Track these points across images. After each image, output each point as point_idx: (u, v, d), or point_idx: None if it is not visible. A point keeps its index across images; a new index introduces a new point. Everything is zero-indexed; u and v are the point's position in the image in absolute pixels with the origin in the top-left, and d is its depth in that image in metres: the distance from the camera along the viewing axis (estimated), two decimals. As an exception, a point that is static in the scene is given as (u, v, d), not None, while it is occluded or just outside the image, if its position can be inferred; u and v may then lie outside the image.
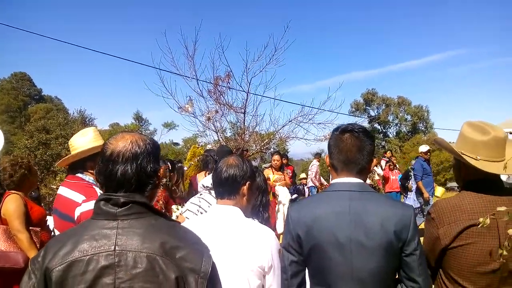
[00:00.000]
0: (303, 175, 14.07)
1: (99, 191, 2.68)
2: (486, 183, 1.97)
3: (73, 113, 36.06)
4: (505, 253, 1.75)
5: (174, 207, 4.04)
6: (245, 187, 2.03)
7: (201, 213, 2.73)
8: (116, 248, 1.29)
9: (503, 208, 1.72)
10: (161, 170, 1.53)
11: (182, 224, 2.03)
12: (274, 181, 7.55)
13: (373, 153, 1.95)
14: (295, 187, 11.22)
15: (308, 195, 11.71)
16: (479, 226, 1.77)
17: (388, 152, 13.05)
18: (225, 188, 2.01)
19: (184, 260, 1.31)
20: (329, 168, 2.02)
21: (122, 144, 1.42)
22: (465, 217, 1.91)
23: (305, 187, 12.67)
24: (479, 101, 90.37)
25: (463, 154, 2.05)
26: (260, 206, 2.63)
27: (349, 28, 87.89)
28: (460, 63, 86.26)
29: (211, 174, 2.09)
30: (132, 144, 1.42)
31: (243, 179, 2.04)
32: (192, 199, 2.96)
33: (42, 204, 8.26)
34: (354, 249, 1.73)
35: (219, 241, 1.86)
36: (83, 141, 2.91)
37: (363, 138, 1.89)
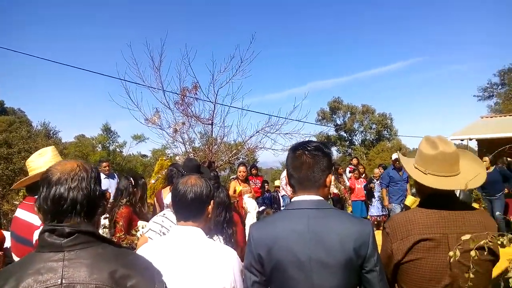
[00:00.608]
0: (277, 183, 14.12)
1: None
2: (438, 198, 2.02)
3: (37, 125, 35.12)
4: (455, 270, 1.82)
5: (140, 223, 3.98)
6: (209, 207, 2.01)
7: (164, 233, 2.69)
8: (63, 281, 1.25)
9: (467, 237, 1.74)
10: (107, 194, 1.52)
11: (143, 245, 2.01)
12: (239, 192, 7.57)
13: (330, 168, 1.95)
14: (270, 195, 11.26)
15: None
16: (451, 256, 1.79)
17: (355, 159, 13.20)
18: (189, 210, 1.96)
19: None
20: (289, 187, 2.05)
21: (69, 167, 1.40)
22: (416, 231, 1.95)
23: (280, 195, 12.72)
24: (440, 106, 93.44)
25: (416, 168, 2.14)
26: (224, 222, 2.61)
27: (316, 36, 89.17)
28: (422, 70, 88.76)
29: (171, 195, 2.05)
30: (79, 167, 1.41)
31: (208, 200, 2.00)
32: (155, 218, 2.93)
33: (1, 223, 8.01)
34: (314, 268, 1.74)
35: (181, 264, 1.82)
36: (41, 162, 2.85)
37: (316, 154, 1.90)
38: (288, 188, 7.39)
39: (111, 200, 4.75)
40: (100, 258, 1.31)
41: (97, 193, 1.42)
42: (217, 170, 6.63)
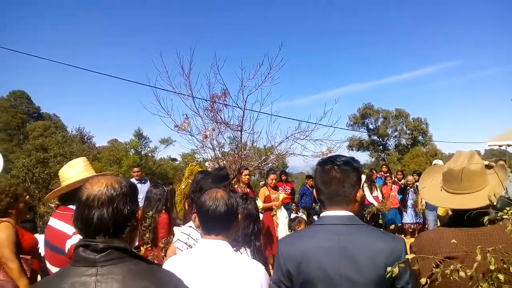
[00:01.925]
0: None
1: None
2: (462, 216, 1.94)
3: (72, 130, 36.25)
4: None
5: (176, 229, 4.04)
6: (236, 222, 2.00)
7: (190, 245, 2.66)
8: None
9: (478, 257, 1.63)
10: (139, 211, 1.50)
11: (171, 259, 2.00)
12: (274, 199, 7.54)
13: (359, 183, 1.91)
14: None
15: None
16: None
17: (384, 166, 12.87)
18: (217, 225, 1.94)
19: None
20: (318, 202, 2.00)
21: (97, 188, 1.41)
22: (442, 250, 1.90)
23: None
24: (477, 111, 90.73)
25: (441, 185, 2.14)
26: (252, 235, 2.57)
27: (343, 41, 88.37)
28: (457, 73, 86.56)
29: (195, 208, 2.03)
30: (107, 187, 1.42)
31: (236, 214, 2.00)
32: (183, 228, 2.92)
33: (37, 225, 8.26)
34: (344, 285, 1.70)
35: (209, 279, 1.82)
36: (72, 172, 2.89)
37: (345, 169, 1.86)
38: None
39: (141, 205, 4.81)
40: (132, 274, 1.33)
41: (125, 212, 1.43)
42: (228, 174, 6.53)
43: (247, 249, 2.45)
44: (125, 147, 34.76)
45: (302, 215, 11.08)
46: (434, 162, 9.24)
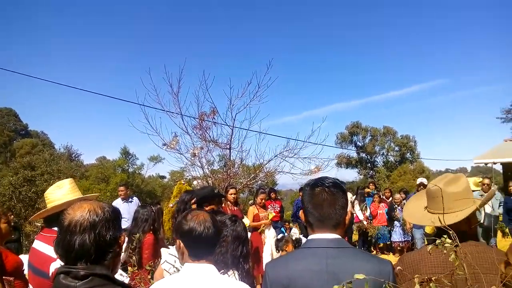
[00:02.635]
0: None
1: None
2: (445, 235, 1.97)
3: (60, 148, 35.87)
4: None
5: (163, 250, 4.00)
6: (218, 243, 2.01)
7: (177, 268, 2.64)
8: None
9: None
10: (122, 237, 1.49)
11: (156, 283, 1.97)
12: (263, 218, 7.55)
13: (347, 206, 1.90)
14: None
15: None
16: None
17: (371, 184, 12.89)
18: (202, 248, 1.92)
19: None
20: (305, 224, 2.00)
21: (79, 213, 1.40)
22: (423, 271, 1.93)
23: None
24: (464, 129, 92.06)
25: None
26: (240, 257, 2.54)
27: (331, 59, 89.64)
28: (443, 92, 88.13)
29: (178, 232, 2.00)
30: (89, 213, 1.41)
31: (219, 237, 2.00)
32: (171, 250, 2.90)
33: (23, 245, 8.11)
34: None
35: None
36: (58, 194, 2.87)
37: (334, 191, 1.86)
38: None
39: (128, 226, 4.77)
40: None
41: (108, 238, 1.41)
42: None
43: (235, 272, 2.44)
44: (113, 165, 34.44)
45: (294, 230, 11.06)
46: (419, 180, 9.32)
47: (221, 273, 2.19)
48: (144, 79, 9.15)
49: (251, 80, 9.14)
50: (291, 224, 12.23)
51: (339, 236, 1.85)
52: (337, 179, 1.97)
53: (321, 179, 1.94)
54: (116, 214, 1.50)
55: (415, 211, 2.27)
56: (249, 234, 7.46)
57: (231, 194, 7.30)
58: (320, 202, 1.85)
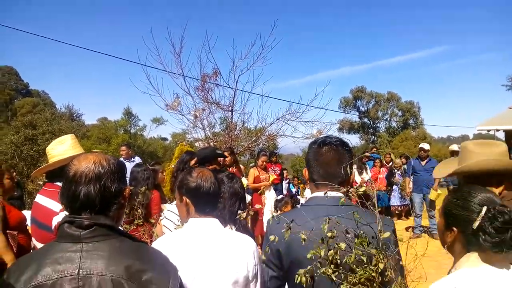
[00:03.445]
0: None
1: None
2: None
3: (61, 108, 35.81)
4: None
5: (164, 206, 4.10)
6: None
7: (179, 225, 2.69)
8: (80, 272, 1.26)
9: None
10: (127, 190, 1.48)
11: (162, 238, 2.01)
12: (264, 180, 7.64)
13: (352, 165, 1.91)
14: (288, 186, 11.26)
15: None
16: None
17: (374, 149, 12.93)
18: (206, 203, 1.97)
19: (150, 283, 1.28)
20: (307, 182, 2.00)
21: (85, 164, 1.40)
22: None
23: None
24: (468, 96, 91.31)
25: None
26: (237, 213, 2.55)
27: (337, 23, 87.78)
28: (449, 58, 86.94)
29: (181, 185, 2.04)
30: (95, 164, 1.41)
31: (220, 192, 2.06)
32: (170, 207, 2.94)
33: (25, 202, 8.24)
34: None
35: (202, 256, 1.84)
36: (60, 149, 2.87)
37: (341, 150, 1.86)
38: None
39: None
40: (117, 251, 1.32)
41: (113, 189, 1.42)
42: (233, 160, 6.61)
43: (233, 227, 2.47)
44: (115, 125, 34.49)
45: (308, 191, 11.19)
46: (421, 145, 9.28)
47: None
48: (146, 39, 8.99)
49: (255, 41, 8.98)
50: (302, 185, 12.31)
51: (342, 194, 1.84)
52: (343, 139, 1.97)
53: (328, 137, 1.94)
54: (121, 167, 1.50)
55: (444, 170, 2.36)
56: (248, 197, 7.57)
57: (262, 161, 7.75)
58: (326, 160, 1.86)
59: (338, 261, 1.64)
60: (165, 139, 40.66)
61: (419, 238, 7.83)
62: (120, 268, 1.28)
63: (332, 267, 1.64)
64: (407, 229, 9.55)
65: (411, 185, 9.22)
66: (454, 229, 1.66)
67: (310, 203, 1.88)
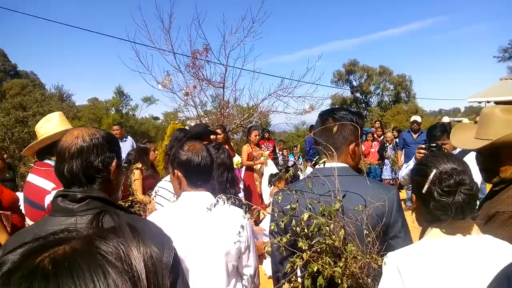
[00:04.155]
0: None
1: None
2: None
3: (50, 88, 35.32)
4: None
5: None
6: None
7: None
8: None
9: None
10: (113, 163, 1.47)
11: (157, 211, 2.05)
12: (257, 156, 7.66)
13: (355, 136, 1.91)
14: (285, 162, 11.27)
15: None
16: None
17: (377, 122, 12.85)
18: (199, 176, 2.01)
19: None
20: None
21: (69, 140, 1.41)
22: None
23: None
24: (460, 69, 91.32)
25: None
26: (226, 183, 2.63)
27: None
28: (440, 30, 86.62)
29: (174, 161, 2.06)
30: (77, 139, 1.40)
31: (212, 166, 2.08)
32: (161, 183, 2.95)
33: (18, 185, 8.20)
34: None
35: (194, 229, 1.89)
36: (48, 127, 2.85)
37: (339, 120, 1.88)
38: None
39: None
40: (110, 224, 1.31)
41: (95, 164, 1.41)
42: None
43: (224, 197, 2.53)
44: (106, 105, 34.20)
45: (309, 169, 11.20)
46: (414, 117, 9.30)
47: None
48: (134, 15, 8.83)
49: (245, 15, 8.87)
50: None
51: (345, 165, 1.88)
52: (353, 110, 1.98)
53: (331, 109, 1.97)
54: (108, 140, 1.47)
55: (463, 138, 2.23)
56: (242, 171, 7.60)
57: (255, 136, 7.69)
58: (323, 130, 1.89)
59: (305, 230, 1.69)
60: (157, 118, 40.43)
61: (411, 210, 7.93)
62: None
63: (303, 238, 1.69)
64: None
65: (402, 158, 9.28)
66: (413, 196, 1.66)
67: (314, 174, 1.89)
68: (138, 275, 0.63)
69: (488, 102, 14.62)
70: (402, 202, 9.04)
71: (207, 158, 2.02)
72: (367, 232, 1.66)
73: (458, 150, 3.84)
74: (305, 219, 1.67)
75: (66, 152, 1.38)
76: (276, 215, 1.82)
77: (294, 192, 1.78)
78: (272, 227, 1.83)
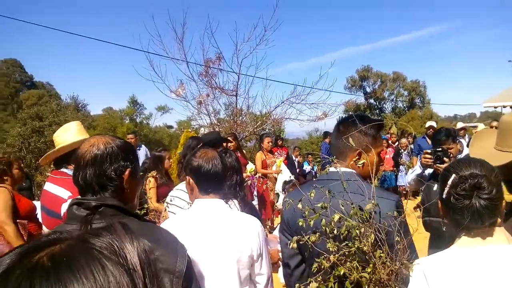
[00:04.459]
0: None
1: None
2: None
3: (66, 98, 35.87)
4: None
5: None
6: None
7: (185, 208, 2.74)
8: None
9: None
10: (127, 172, 1.47)
11: (169, 219, 2.06)
12: (270, 164, 7.66)
13: (363, 143, 1.90)
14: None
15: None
16: None
17: (393, 128, 12.74)
18: (211, 183, 2.02)
19: (158, 261, 1.26)
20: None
21: (85, 148, 1.42)
22: None
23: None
24: (475, 73, 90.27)
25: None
26: (236, 185, 2.66)
27: (341, 2, 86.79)
28: (454, 35, 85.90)
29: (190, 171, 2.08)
30: (92, 147, 1.41)
31: (225, 173, 2.10)
32: (173, 192, 2.97)
33: (34, 194, 8.32)
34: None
35: (205, 236, 1.89)
36: (65, 136, 2.90)
37: (346, 124, 1.93)
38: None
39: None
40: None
41: (108, 172, 1.41)
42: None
43: (234, 200, 2.55)
44: (120, 114, 34.59)
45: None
46: (429, 123, 9.21)
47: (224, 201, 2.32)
48: (147, 25, 8.95)
49: (257, 23, 8.91)
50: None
51: (351, 170, 1.89)
52: (362, 115, 2.00)
53: (351, 115, 1.99)
54: (123, 149, 1.48)
55: (483, 150, 2.13)
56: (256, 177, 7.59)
57: (267, 143, 7.74)
58: (338, 136, 1.93)
59: (334, 231, 1.67)
60: (171, 127, 40.69)
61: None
62: None
63: (330, 238, 1.68)
64: (415, 208, 9.57)
65: (418, 163, 9.17)
66: (439, 202, 1.64)
67: (324, 177, 1.93)
68: (134, 267, 0.65)
69: (504, 106, 14.36)
70: (419, 209, 8.98)
71: (219, 166, 2.02)
72: (398, 239, 1.64)
73: (464, 153, 3.79)
74: (335, 220, 1.66)
75: (81, 160, 1.40)
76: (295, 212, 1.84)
77: (327, 192, 1.75)
78: (301, 223, 1.78)
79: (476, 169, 1.47)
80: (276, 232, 4.87)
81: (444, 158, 3.07)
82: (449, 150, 3.40)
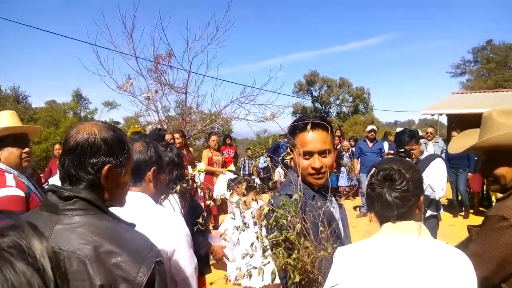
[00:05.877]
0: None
1: (11, 179, 2.57)
2: None
3: (5, 90, 33.84)
4: None
5: None
6: (150, 173, 2.01)
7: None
8: None
9: None
10: (106, 167, 1.34)
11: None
12: (216, 161, 7.77)
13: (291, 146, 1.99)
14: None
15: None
16: None
17: (338, 131, 13.28)
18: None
19: (117, 267, 1.19)
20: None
21: (72, 133, 1.35)
22: None
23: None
24: (415, 82, 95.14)
25: None
26: (176, 180, 2.61)
27: (291, 10, 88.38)
28: (397, 45, 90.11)
29: None
30: (77, 133, 1.33)
31: (147, 166, 2.00)
32: None
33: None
34: None
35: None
36: None
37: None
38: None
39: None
40: (91, 229, 1.25)
41: (85, 165, 1.32)
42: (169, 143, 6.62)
43: (175, 195, 2.56)
44: (64, 108, 33.16)
45: (279, 170, 11.36)
46: (370, 127, 9.71)
47: (162, 198, 2.35)
48: (96, 18, 8.77)
49: (209, 22, 8.99)
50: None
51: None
52: (319, 116, 2.06)
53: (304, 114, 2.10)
54: (108, 142, 1.37)
55: (459, 143, 2.09)
56: (202, 176, 7.65)
57: (213, 140, 7.83)
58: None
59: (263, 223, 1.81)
60: (118, 123, 39.47)
61: (366, 216, 8.30)
62: (88, 247, 1.19)
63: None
64: (354, 208, 10.06)
65: (358, 166, 9.66)
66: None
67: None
68: (43, 268, 0.65)
69: (440, 114, 15.34)
70: (358, 209, 9.45)
71: (137, 158, 1.93)
72: (322, 229, 1.74)
73: (424, 155, 4.02)
74: (264, 212, 1.78)
75: (66, 144, 1.34)
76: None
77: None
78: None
79: (394, 165, 1.60)
80: (220, 229, 4.97)
81: (407, 159, 3.15)
82: (411, 151, 3.61)
